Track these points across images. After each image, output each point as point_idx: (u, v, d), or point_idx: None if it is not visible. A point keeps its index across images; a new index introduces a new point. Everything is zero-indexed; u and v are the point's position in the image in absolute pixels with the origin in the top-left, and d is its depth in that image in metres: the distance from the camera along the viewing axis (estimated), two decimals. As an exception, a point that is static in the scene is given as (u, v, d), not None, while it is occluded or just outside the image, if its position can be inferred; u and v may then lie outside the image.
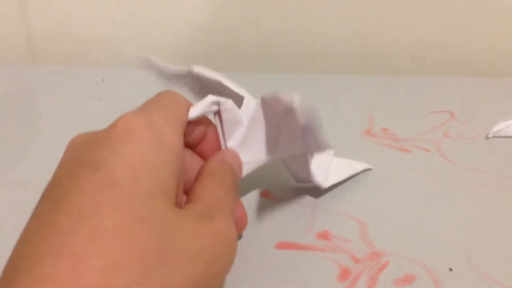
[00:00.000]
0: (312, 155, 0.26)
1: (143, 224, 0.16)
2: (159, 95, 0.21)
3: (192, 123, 0.22)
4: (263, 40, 0.51)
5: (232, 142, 0.24)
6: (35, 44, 0.52)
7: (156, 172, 0.17)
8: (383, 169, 0.32)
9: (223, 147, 0.24)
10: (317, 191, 0.29)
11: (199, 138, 0.23)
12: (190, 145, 0.23)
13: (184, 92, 0.28)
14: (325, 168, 0.28)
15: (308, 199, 0.28)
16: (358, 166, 0.31)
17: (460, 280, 0.23)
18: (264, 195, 0.29)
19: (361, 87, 0.43)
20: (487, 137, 0.36)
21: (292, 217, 0.27)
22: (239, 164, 0.24)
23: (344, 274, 0.23)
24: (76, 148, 0.18)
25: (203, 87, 0.26)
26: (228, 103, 0.23)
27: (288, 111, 0.22)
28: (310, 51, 0.51)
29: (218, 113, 0.23)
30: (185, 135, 0.21)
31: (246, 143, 0.24)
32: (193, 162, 0.23)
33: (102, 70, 0.45)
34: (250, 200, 0.28)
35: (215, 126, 0.24)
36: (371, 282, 0.23)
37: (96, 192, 0.16)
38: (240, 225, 0.24)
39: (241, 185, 0.29)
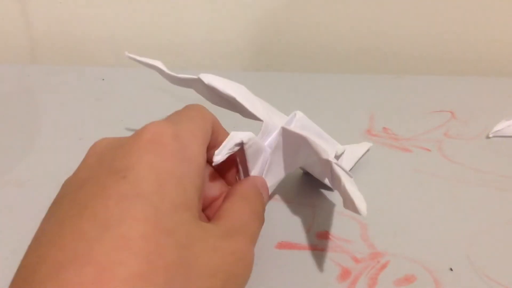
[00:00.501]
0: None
1: (168, 237, 0.15)
2: (187, 108, 0.22)
3: (214, 141, 0.22)
4: (263, 39, 0.51)
5: (256, 171, 0.24)
6: (35, 43, 0.52)
7: (181, 185, 0.17)
8: (383, 168, 0.31)
9: (250, 173, 0.24)
10: (317, 191, 0.29)
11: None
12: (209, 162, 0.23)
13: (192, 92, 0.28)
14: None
15: (308, 199, 0.28)
16: (360, 150, 0.31)
17: (460, 280, 0.23)
18: (264, 195, 0.29)
19: (362, 86, 0.43)
20: (488, 137, 0.35)
21: (292, 217, 0.27)
22: (267, 192, 0.24)
23: (345, 274, 0.23)
24: (101, 152, 0.18)
25: (213, 95, 0.26)
26: (251, 140, 0.22)
27: (323, 162, 0.22)
28: (310, 50, 0.51)
29: (241, 147, 0.23)
30: (207, 150, 0.22)
31: (270, 169, 0.24)
32: (213, 182, 0.23)
33: (102, 70, 0.45)
34: (250, 200, 0.28)
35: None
36: (372, 282, 0.23)
37: (122, 201, 0.15)
38: None
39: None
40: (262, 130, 0.24)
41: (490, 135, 0.35)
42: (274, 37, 0.51)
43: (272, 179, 0.24)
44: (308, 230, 0.26)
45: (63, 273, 0.14)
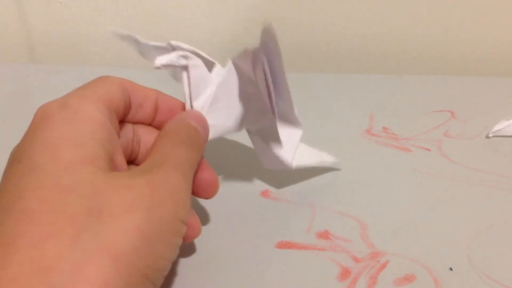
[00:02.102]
0: (279, 119, 0.25)
1: (69, 193, 0.16)
2: (93, 80, 0.22)
3: (137, 99, 0.23)
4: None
5: (199, 102, 0.23)
6: (34, 43, 0.52)
7: (75, 145, 0.18)
8: (383, 168, 0.31)
9: (188, 107, 0.23)
10: (317, 191, 0.29)
11: (151, 112, 0.23)
12: (145, 121, 0.24)
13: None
14: (292, 147, 0.27)
15: (308, 199, 0.28)
16: (327, 159, 0.30)
17: (460, 279, 0.23)
18: (264, 195, 0.29)
19: (362, 86, 0.43)
20: (487, 137, 0.35)
21: (292, 217, 0.27)
22: (203, 124, 0.23)
23: (344, 273, 0.23)
24: (14, 150, 0.19)
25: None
26: (196, 60, 0.23)
27: (256, 60, 0.22)
28: (310, 50, 0.51)
29: (186, 69, 0.23)
30: (132, 112, 0.22)
31: (214, 107, 0.24)
32: (149, 134, 0.23)
33: (101, 70, 0.45)
34: (250, 200, 0.28)
35: (167, 97, 0.24)
36: (371, 282, 0.23)
37: (19, 180, 0.16)
38: (191, 233, 0.22)
39: (241, 185, 0.29)
40: (215, 70, 0.24)
41: (490, 135, 0.35)
42: (273, 37, 0.51)
43: (216, 118, 0.24)
44: (308, 229, 0.26)
45: None
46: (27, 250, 0.15)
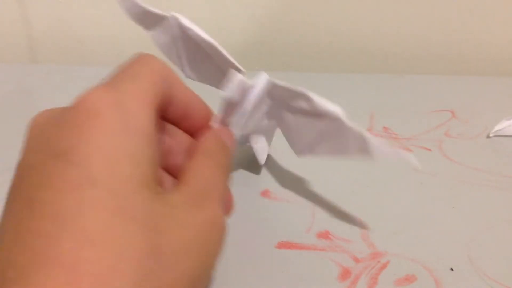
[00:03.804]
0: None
1: (131, 222, 0.14)
2: (134, 60, 0.19)
3: (175, 97, 0.20)
4: (262, 39, 0.51)
5: (234, 119, 0.23)
6: (34, 43, 0.52)
7: (133, 161, 0.15)
8: (384, 168, 0.31)
9: (214, 123, 0.22)
10: (317, 191, 0.29)
11: (183, 113, 0.21)
12: (173, 121, 0.21)
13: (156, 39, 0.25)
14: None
15: (308, 199, 0.28)
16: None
17: (461, 280, 0.23)
18: (264, 195, 0.29)
19: (362, 86, 0.43)
20: (488, 136, 0.35)
21: (292, 217, 0.27)
22: (233, 144, 0.22)
23: (345, 274, 0.23)
24: (42, 129, 0.16)
25: (177, 42, 0.23)
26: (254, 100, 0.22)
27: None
28: (310, 50, 0.51)
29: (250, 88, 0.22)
30: (167, 109, 0.20)
31: (244, 125, 0.23)
32: (177, 138, 0.21)
33: (101, 69, 0.45)
34: (250, 200, 0.28)
35: (201, 100, 0.22)
36: (372, 282, 0.23)
37: (74, 190, 0.14)
38: (227, 209, 0.22)
39: (241, 185, 0.29)
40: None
41: (491, 135, 0.35)
42: (274, 36, 0.51)
43: (241, 130, 0.23)
44: (308, 229, 0.26)
45: (33, 277, 0.13)
46: (93, 281, 0.13)
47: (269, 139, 0.29)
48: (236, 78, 0.22)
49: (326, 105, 0.22)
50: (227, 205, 0.22)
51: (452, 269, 0.23)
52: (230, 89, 0.22)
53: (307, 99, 0.23)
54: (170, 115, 0.20)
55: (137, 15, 0.24)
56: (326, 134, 0.23)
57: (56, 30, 0.51)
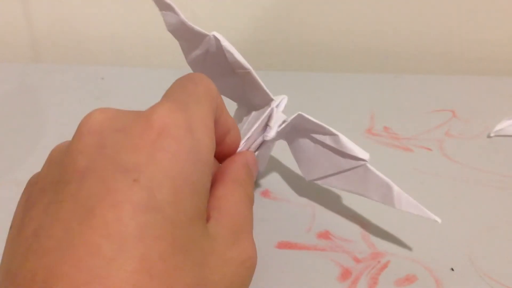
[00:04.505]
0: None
1: (184, 255, 0.14)
2: (192, 81, 0.18)
3: (218, 122, 0.19)
4: (262, 38, 0.51)
5: (250, 142, 0.23)
6: (35, 42, 0.52)
7: (196, 193, 0.15)
8: (384, 168, 0.31)
9: (242, 145, 0.22)
10: (317, 191, 0.29)
11: (221, 138, 0.20)
12: None
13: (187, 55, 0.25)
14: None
15: (308, 199, 0.28)
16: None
17: (461, 280, 0.23)
18: (264, 195, 0.29)
19: (363, 85, 0.43)
20: (489, 136, 0.35)
21: (293, 217, 0.27)
22: (257, 170, 0.22)
23: (345, 274, 0.23)
24: (101, 133, 0.15)
25: (213, 65, 0.24)
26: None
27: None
28: (310, 49, 0.51)
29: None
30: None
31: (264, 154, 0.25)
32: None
33: (101, 69, 0.45)
34: (251, 199, 0.28)
35: (237, 127, 0.22)
36: (372, 282, 0.23)
37: (138, 213, 0.13)
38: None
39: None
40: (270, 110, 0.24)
41: (492, 135, 0.35)
42: (273, 36, 0.51)
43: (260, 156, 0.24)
44: (308, 229, 0.26)
45: None
46: None
47: (271, 147, 0.29)
48: (278, 119, 0.23)
49: (355, 149, 0.23)
50: None
51: (452, 269, 0.23)
52: (273, 131, 0.23)
53: (336, 140, 0.24)
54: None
55: (177, 30, 0.24)
56: (347, 173, 0.24)
57: (57, 29, 0.51)
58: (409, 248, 0.25)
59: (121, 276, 0.13)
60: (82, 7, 0.50)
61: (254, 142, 0.24)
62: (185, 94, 0.17)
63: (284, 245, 0.25)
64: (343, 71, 0.51)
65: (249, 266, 0.17)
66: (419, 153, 0.33)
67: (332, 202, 0.28)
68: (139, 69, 0.45)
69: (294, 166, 0.31)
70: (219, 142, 0.20)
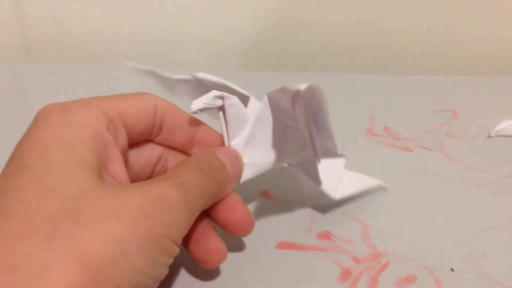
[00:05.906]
0: (319, 159, 0.24)
1: (51, 194, 0.16)
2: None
3: (171, 124, 0.22)
4: (262, 38, 0.51)
5: (236, 141, 0.23)
6: (32, 43, 0.52)
7: (66, 148, 0.18)
8: (384, 168, 0.31)
9: (226, 145, 0.23)
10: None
11: (184, 141, 0.23)
12: (178, 149, 0.23)
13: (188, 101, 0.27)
14: (335, 177, 0.26)
15: (308, 199, 0.28)
16: (371, 182, 0.28)
17: (461, 280, 0.23)
18: (264, 195, 0.29)
19: (363, 86, 0.43)
20: (489, 136, 0.35)
21: (293, 217, 0.27)
22: (234, 161, 0.22)
23: (345, 274, 0.23)
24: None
25: (207, 91, 0.25)
26: (233, 99, 0.22)
27: (295, 100, 0.21)
28: (310, 49, 0.51)
29: (222, 109, 0.23)
30: (163, 135, 0.22)
31: (251, 144, 0.24)
32: (172, 157, 0.23)
33: (101, 69, 0.45)
34: (250, 200, 0.28)
35: (210, 131, 0.24)
36: (372, 283, 0.23)
37: (6, 179, 0.17)
38: (217, 258, 0.22)
39: (241, 185, 0.29)
40: (249, 105, 0.24)
41: (492, 135, 0.35)
42: (274, 36, 0.51)
43: (253, 156, 0.23)
44: (308, 230, 0.26)
45: None
46: (3, 248, 0.15)
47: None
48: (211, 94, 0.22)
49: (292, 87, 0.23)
50: (243, 223, 0.22)
51: (452, 269, 0.23)
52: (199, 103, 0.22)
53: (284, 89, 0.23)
54: (170, 142, 0.23)
55: (167, 85, 0.26)
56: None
57: (52, 30, 0.51)
58: (409, 248, 0.25)
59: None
60: (76, 8, 0.50)
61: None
62: (91, 97, 0.21)
63: (284, 245, 0.25)
64: (343, 71, 0.51)
65: (153, 199, 0.17)
66: (419, 153, 0.33)
67: (332, 202, 0.28)
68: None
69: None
70: (186, 142, 0.23)
